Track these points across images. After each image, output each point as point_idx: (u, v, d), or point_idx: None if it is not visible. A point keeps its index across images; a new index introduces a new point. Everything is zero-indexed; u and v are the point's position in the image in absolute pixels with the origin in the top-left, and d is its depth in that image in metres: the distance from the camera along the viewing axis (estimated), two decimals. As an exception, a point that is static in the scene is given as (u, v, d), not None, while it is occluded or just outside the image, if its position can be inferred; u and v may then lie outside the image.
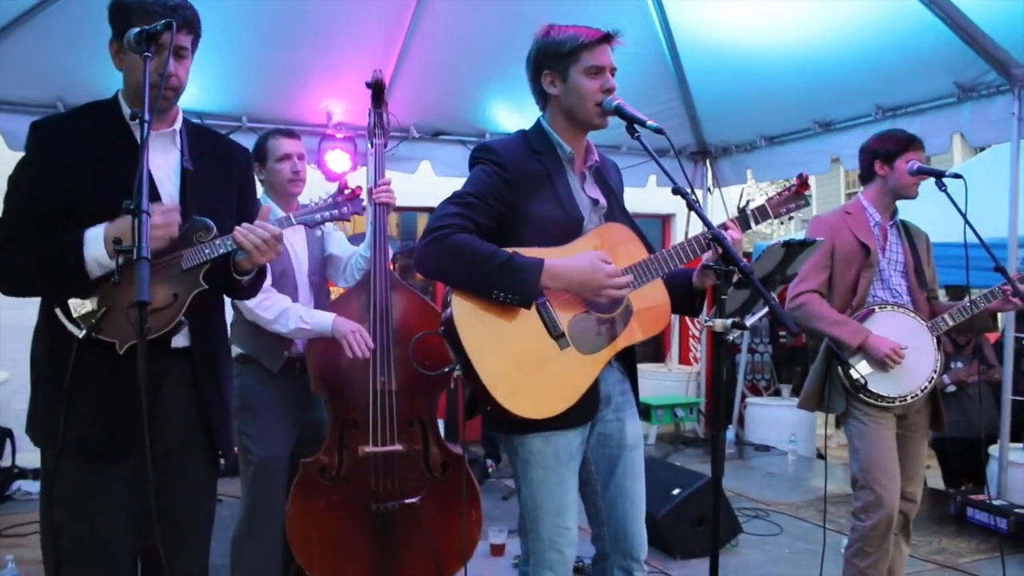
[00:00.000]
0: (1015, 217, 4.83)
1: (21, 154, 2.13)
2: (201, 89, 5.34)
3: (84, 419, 2.05)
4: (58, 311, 2.03)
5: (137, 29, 1.89)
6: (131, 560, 2.12)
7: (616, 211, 2.48)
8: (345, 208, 2.39)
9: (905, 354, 3.14)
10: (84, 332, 2.01)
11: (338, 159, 5.85)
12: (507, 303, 2.18)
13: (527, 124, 2.50)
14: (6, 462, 5.57)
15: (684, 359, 9.23)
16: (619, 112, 2.26)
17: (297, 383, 3.30)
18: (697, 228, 6.19)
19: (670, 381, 8.32)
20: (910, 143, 3.27)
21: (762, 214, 2.40)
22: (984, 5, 4.49)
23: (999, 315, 3.29)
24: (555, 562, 2.34)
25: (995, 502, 4.89)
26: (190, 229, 2.12)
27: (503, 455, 6.16)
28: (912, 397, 3.18)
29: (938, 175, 3.15)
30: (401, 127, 6.06)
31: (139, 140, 2.08)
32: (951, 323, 3.23)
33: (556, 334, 2.25)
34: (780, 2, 5.15)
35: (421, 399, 3.29)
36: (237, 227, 2.14)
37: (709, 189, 7.42)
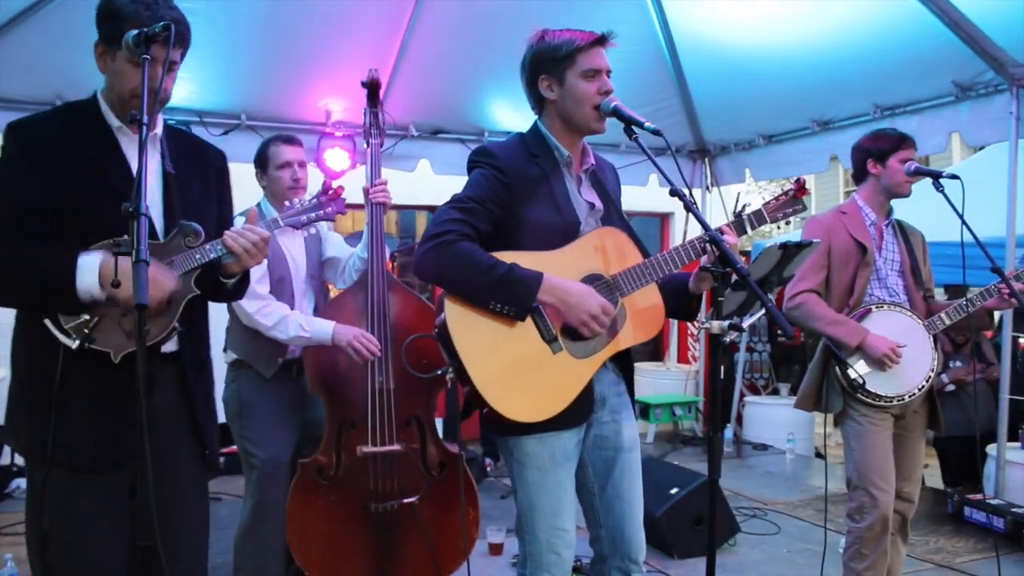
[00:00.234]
0: (1013, 216, 4.83)
1: None
2: (200, 87, 5.34)
3: (74, 429, 2.02)
4: (48, 322, 1.98)
5: (135, 31, 1.89)
6: (120, 570, 2.11)
7: (613, 215, 2.48)
8: (329, 208, 2.39)
9: (903, 353, 3.14)
10: (77, 343, 1.98)
11: (337, 157, 5.85)
12: (503, 315, 2.19)
13: (526, 122, 2.50)
14: (5, 460, 5.58)
15: (683, 358, 9.24)
16: (617, 114, 2.26)
17: (294, 386, 3.31)
18: (696, 227, 6.20)
19: (668, 380, 8.33)
20: (902, 141, 3.28)
21: (758, 219, 2.39)
22: (982, 4, 4.49)
23: (995, 313, 3.29)
24: (552, 564, 2.34)
25: (992, 501, 4.89)
26: (179, 234, 2.11)
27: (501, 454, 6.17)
28: (910, 396, 3.18)
29: (935, 176, 3.15)
30: (400, 125, 6.07)
31: (121, 144, 2.09)
32: (947, 322, 3.24)
33: (549, 338, 2.25)
34: (779, 1, 5.15)
35: (419, 399, 3.30)
36: (227, 232, 2.14)
37: (708, 188, 7.42)
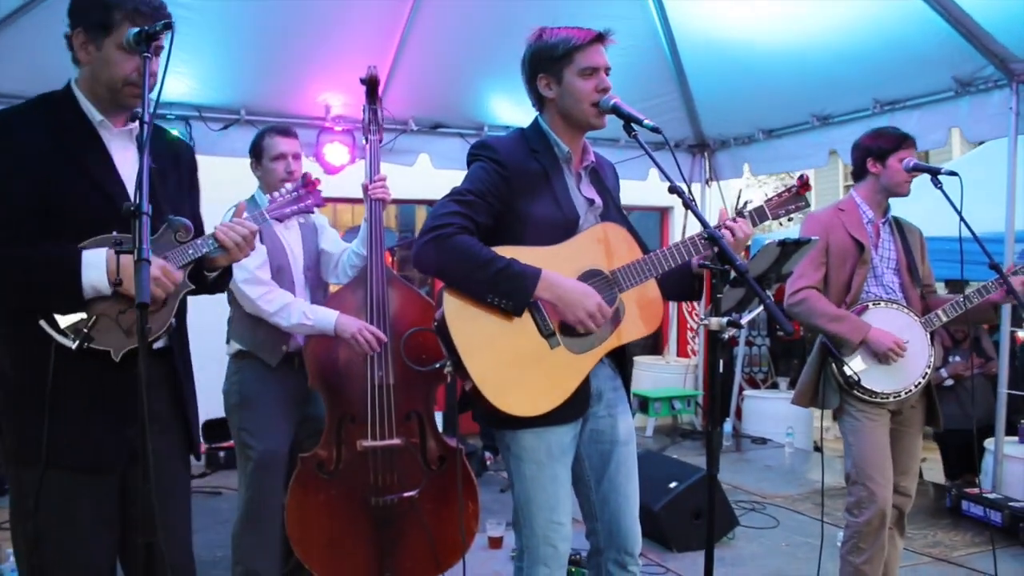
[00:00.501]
0: (1012, 212, 4.84)
1: None
2: (199, 82, 5.34)
3: (74, 429, 2.00)
4: (43, 323, 1.95)
5: (136, 30, 1.89)
6: (110, 569, 2.12)
7: (612, 211, 2.49)
8: (309, 200, 2.41)
9: (907, 347, 3.15)
10: (77, 343, 1.96)
11: (337, 152, 5.85)
12: (500, 308, 2.20)
13: (526, 116, 2.51)
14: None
15: (682, 352, 9.24)
16: (616, 111, 2.27)
17: (296, 377, 3.31)
18: (695, 222, 6.18)
19: (668, 374, 8.33)
20: (903, 141, 3.28)
21: (760, 215, 2.40)
22: (982, 0, 4.49)
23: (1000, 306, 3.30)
24: (549, 557, 2.36)
25: (990, 495, 4.91)
26: (168, 229, 2.10)
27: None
28: (906, 393, 3.20)
29: (934, 172, 3.16)
30: (399, 120, 6.06)
31: (101, 135, 2.06)
32: (944, 319, 3.25)
33: (547, 333, 2.26)
34: (779, -2, 5.16)
35: (418, 393, 3.31)
36: (219, 226, 2.15)
37: (707, 182, 7.42)
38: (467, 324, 2.22)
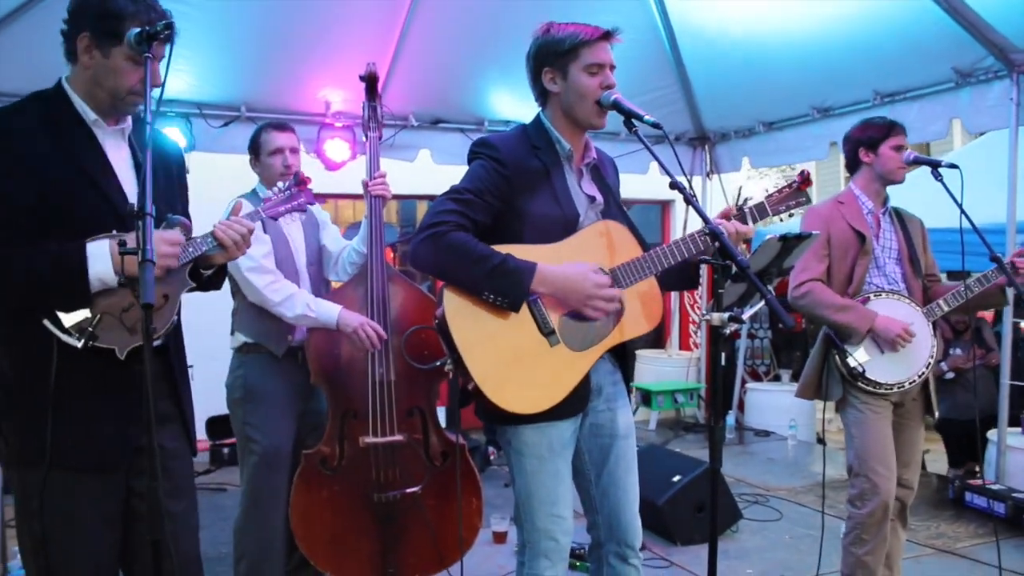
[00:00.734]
0: (1013, 202, 4.83)
1: None
2: (199, 79, 5.34)
3: (79, 429, 2.01)
4: (47, 323, 1.96)
5: (137, 30, 1.90)
6: (116, 565, 2.13)
7: (613, 208, 2.49)
8: (301, 198, 2.43)
9: (914, 331, 3.15)
10: (83, 342, 1.96)
11: (337, 148, 5.86)
12: (497, 305, 2.21)
13: (526, 112, 2.51)
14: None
15: (684, 345, 9.25)
16: (617, 107, 2.27)
17: (300, 372, 3.31)
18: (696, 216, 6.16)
19: (670, 367, 8.34)
20: (891, 128, 3.29)
21: (761, 212, 2.40)
22: (982, -10, 4.49)
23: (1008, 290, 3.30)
24: (551, 550, 2.37)
25: (993, 486, 4.92)
26: (167, 227, 2.11)
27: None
28: (910, 383, 3.20)
29: (934, 165, 3.16)
30: (399, 115, 6.06)
31: (96, 134, 2.07)
32: (946, 308, 3.25)
33: (546, 331, 2.27)
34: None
35: (420, 389, 3.31)
36: (217, 224, 2.16)
37: (708, 175, 7.42)
38: (467, 322, 2.23)
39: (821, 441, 7.14)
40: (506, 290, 2.19)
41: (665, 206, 9.66)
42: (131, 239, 1.82)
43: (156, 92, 1.92)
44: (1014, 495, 4.73)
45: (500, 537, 4.49)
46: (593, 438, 2.48)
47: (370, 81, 3.48)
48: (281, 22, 5.14)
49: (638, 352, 8.08)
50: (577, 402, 2.34)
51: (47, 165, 1.99)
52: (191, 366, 2.42)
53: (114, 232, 1.99)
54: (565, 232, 2.34)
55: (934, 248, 3.54)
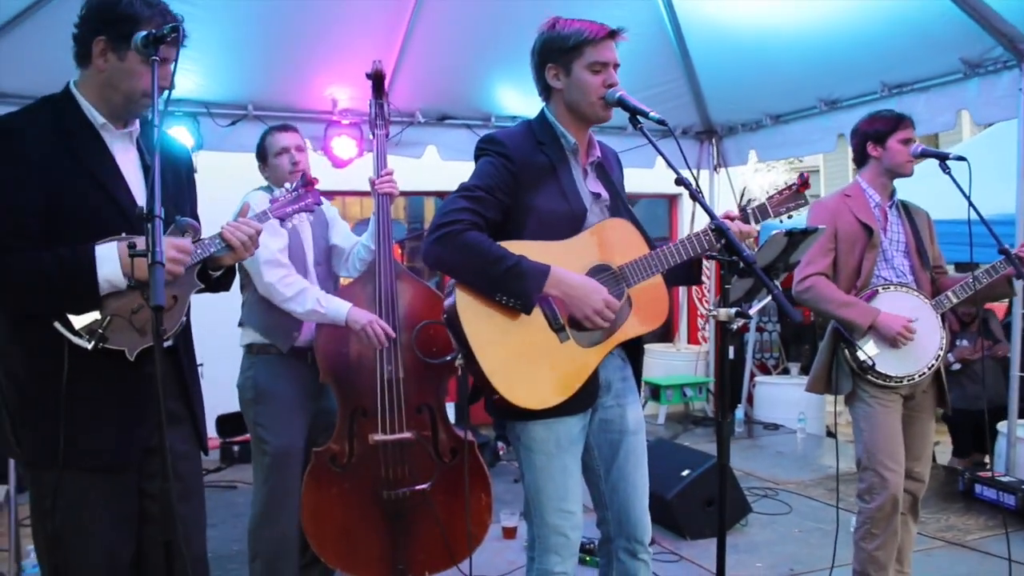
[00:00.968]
0: (1022, 193, 4.80)
1: None
2: (206, 79, 5.36)
3: (90, 429, 2.03)
4: (58, 325, 1.97)
5: (144, 33, 1.91)
6: (129, 565, 2.15)
7: (619, 206, 2.49)
8: (309, 199, 2.43)
9: (916, 328, 3.15)
10: (93, 343, 1.98)
11: (344, 146, 5.88)
12: (510, 307, 2.22)
13: (533, 107, 2.51)
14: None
15: (693, 339, 9.24)
16: (622, 104, 2.27)
17: (310, 371, 3.32)
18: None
19: (679, 361, 8.34)
20: (899, 121, 3.27)
21: (762, 213, 2.42)
22: (990, -21, 4.46)
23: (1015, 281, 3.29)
24: (560, 545, 2.38)
25: (1003, 479, 4.91)
26: (176, 230, 2.12)
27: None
28: (920, 376, 3.19)
29: (942, 157, 3.15)
30: (406, 112, 6.07)
31: (104, 138, 2.09)
32: (955, 300, 3.24)
33: (557, 327, 2.28)
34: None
35: (429, 386, 3.32)
36: (225, 225, 2.18)
37: (715, 168, 7.41)
38: (478, 318, 2.24)
39: (831, 434, 7.15)
40: (519, 292, 2.20)
41: (672, 200, 9.64)
42: (141, 242, 1.83)
43: (167, 94, 1.94)
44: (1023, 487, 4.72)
45: (510, 532, 4.50)
46: (603, 433, 2.49)
47: (377, 79, 3.49)
48: (287, 20, 5.15)
49: (647, 347, 8.07)
50: (586, 398, 2.35)
51: (55, 169, 2.01)
52: (201, 364, 2.44)
53: (123, 235, 2.01)
54: (572, 227, 2.35)
55: (943, 240, 3.53)
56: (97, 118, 2.10)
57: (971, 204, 3.07)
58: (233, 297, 3.10)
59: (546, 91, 2.44)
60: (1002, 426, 5.22)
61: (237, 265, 2.40)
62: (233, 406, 3.41)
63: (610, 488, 2.50)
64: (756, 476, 5.83)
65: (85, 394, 2.01)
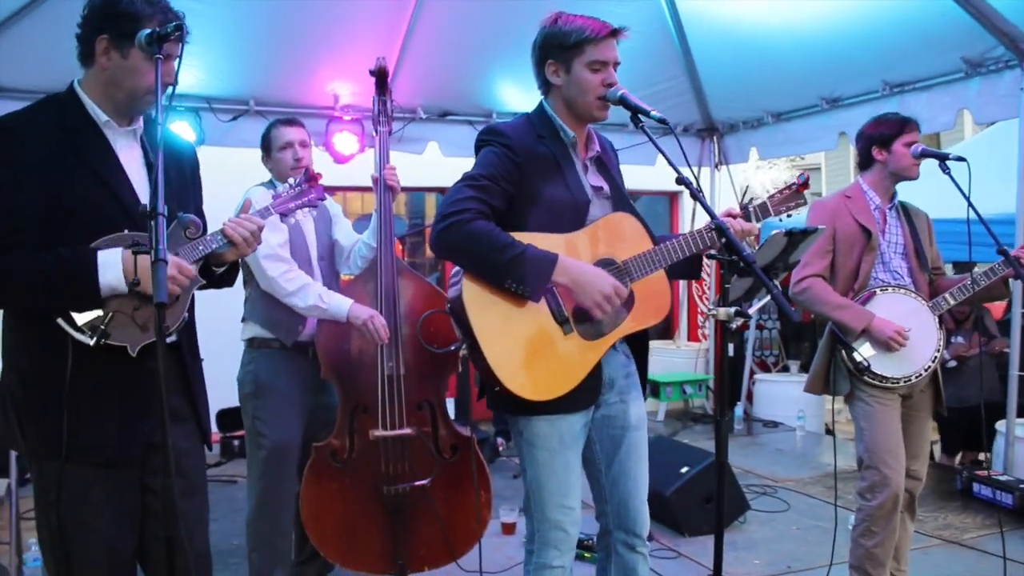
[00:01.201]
0: (1022, 193, 4.81)
1: None
2: (208, 74, 5.36)
3: (92, 424, 2.04)
4: (61, 321, 1.99)
5: (148, 31, 1.92)
6: (132, 560, 2.16)
7: (620, 199, 2.50)
8: (312, 195, 2.44)
9: (909, 335, 3.16)
10: (95, 339, 1.99)
11: (346, 141, 5.88)
12: (518, 293, 2.23)
13: (534, 103, 2.52)
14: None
15: (693, 336, 9.25)
16: (623, 102, 2.28)
17: (310, 366, 3.33)
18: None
19: (679, 358, 8.36)
20: (905, 125, 3.27)
21: (764, 211, 2.46)
22: (991, -21, 4.46)
23: (1011, 281, 3.31)
24: (560, 541, 2.41)
25: (1001, 477, 4.92)
26: (177, 226, 2.13)
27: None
28: (916, 377, 3.21)
29: (942, 158, 3.15)
30: (408, 108, 6.07)
31: (107, 136, 2.10)
32: (952, 302, 3.25)
33: (561, 320, 2.30)
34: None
35: (430, 382, 3.34)
36: (227, 221, 2.19)
37: (716, 166, 7.41)
38: (485, 307, 2.26)
39: (830, 432, 7.16)
40: (527, 279, 2.21)
41: (673, 198, 9.64)
42: (145, 239, 1.84)
43: (170, 90, 1.94)
44: (1022, 486, 4.73)
45: (509, 528, 4.51)
46: (605, 429, 2.50)
47: (380, 76, 3.49)
48: (289, 15, 5.15)
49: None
50: (588, 395, 2.37)
51: (57, 168, 2.02)
52: (202, 359, 2.45)
53: (125, 231, 2.02)
54: (575, 217, 2.36)
55: (943, 239, 3.54)
56: (100, 116, 2.10)
57: (970, 204, 3.08)
58: (235, 293, 3.11)
59: (545, 86, 2.45)
60: (1000, 425, 5.23)
61: (240, 261, 2.41)
62: (234, 401, 3.42)
63: (610, 482, 2.52)
64: (755, 473, 5.85)
65: (87, 389, 2.03)
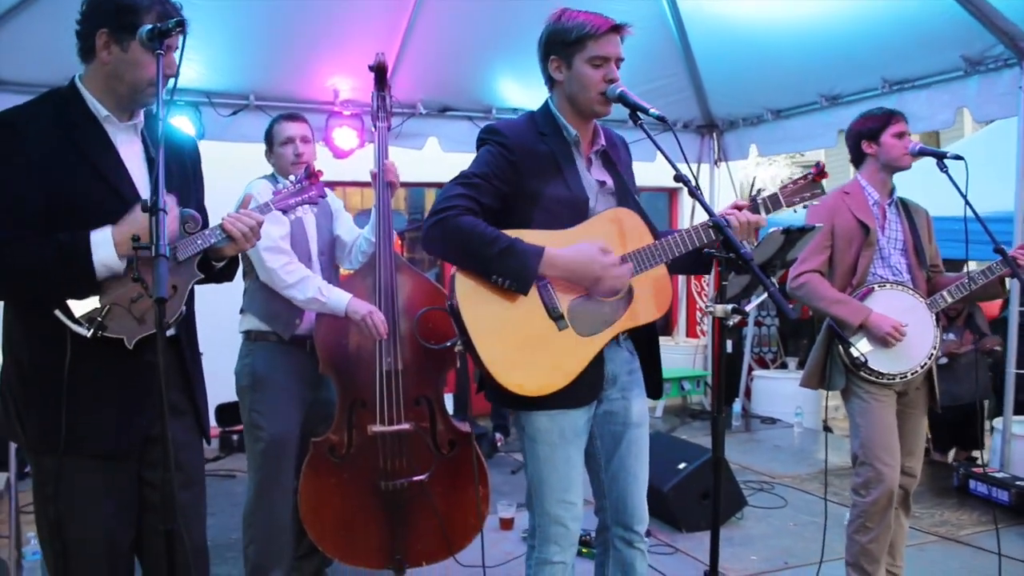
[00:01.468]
0: (1021, 191, 4.81)
1: None
2: (208, 68, 5.36)
3: (90, 416, 2.05)
4: (58, 313, 1.99)
5: (149, 27, 1.93)
6: (130, 552, 2.17)
7: (625, 192, 2.50)
8: (312, 192, 2.44)
9: (906, 331, 3.17)
10: (92, 331, 2.00)
11: (346, 136, 5.89)
12: (506, 288, 2.24)
13: (534, 99, 2.54)
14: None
15: (691, 332, 9.27)
16: (622, 99, 2.29)
17: (308, 360, 3.34)
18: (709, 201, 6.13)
19: (677, 354, 8.36)
20: (891, 117, 3.30)
21: (774, 203, 2.41)
22: (992, -23, 4.46)
23: (1007, 281, 3.32)
24: (560, 536, 2.41)
25: (997, 474, 4.93)
26: (180, 223, 2.13)
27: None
28: (912, 374, 3.22)
29: (939, 156, 3.16)
30: (408, 103, 6.07)
31: (107, 131, 2.11)
32: (950, 300, 3.26)
33: (555, 316, 2.30)
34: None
35: (428, 378, 3.34)
36: (226, 216, 2.19)
37: (716, 163, 7.42)
38: (478, 304, 2.27)
39: (827, 429, 7.17)
40: (514, 272, 2.22)
41: (672, 194, 9.64)
42: (143, 233, 1.85)
43: (172, 83, 1.95)
44: (1017, 483, 4.75)
45: (507, 523, 4.52)
46: (607, 424, 2.51)
47: (380, 71, 3.49)
48: (289, 10, 5.15)
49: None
50: (589, 390, 2.38)
51: (57, 163, 2.02)
52: (201, 353, 2.45)
53: (133, 236, 2.02)
54: (575, 215, 2.37)
55: (942, 237, 3.55)
56: (100, 111, 2.11)
57: (968, 203, 3.09)
58: (234, 287, 3.11)
59: (550, 82, 2.46)
60: (997, 422, 5.24)
61: (240, 254, 2.42)
62: (232, 395, 3.42)
63: (610, 478, 2.53)
64: (752, 470, 5.86)
65: (85, 381, 2.04)
